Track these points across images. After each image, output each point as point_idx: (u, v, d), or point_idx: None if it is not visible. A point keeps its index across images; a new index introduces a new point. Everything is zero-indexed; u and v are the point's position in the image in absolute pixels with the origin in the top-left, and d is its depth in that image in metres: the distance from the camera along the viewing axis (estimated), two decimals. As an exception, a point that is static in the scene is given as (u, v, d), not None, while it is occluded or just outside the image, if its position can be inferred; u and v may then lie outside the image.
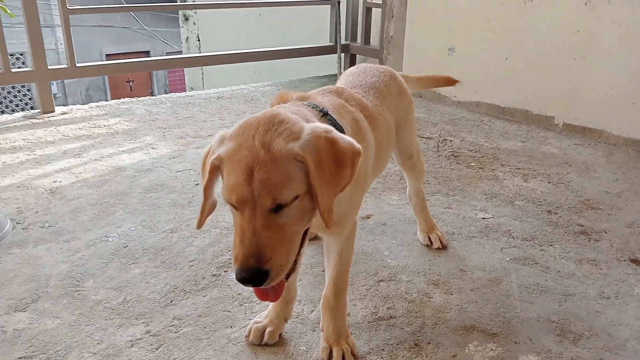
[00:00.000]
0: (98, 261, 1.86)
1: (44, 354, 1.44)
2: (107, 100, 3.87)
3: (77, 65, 3.47)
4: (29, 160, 2.71)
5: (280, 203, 1.06)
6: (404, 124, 1.79)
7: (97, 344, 1.48)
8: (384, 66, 1.82)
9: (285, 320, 1.54)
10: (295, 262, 1.18)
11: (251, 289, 1.17)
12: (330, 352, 1.43)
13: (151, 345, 1.48)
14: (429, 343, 1.51)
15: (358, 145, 1.15)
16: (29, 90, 14.02)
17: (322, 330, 1.47)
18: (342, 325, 1.47)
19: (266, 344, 1.48)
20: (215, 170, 1.15)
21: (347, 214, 1.36)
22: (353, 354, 1.44)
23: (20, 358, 1.43)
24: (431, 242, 2.01)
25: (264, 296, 1.17)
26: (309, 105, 1.27)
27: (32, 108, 14.02)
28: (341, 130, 1.24)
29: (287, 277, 1.16)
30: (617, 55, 3.07)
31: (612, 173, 2.75)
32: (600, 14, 3.09)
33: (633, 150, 3.06)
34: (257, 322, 1.52)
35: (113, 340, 1.49)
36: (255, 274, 1.05)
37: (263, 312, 1.55)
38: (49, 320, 1.57)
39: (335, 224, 1.30)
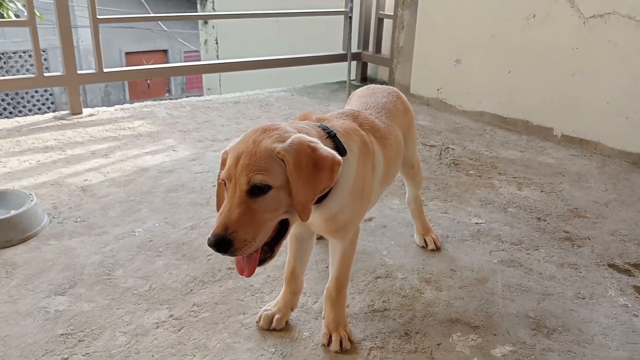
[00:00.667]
0: (126, 253, 2.08)
1: (82, 332, 1.67)
2: (125, 97, 4.09)
3: (105, 70, 3.71)
4: (60, 160, 2.95)
5: (254, 184, 1.27)
6: (407, 137, 1.97)
7: (127, 324, 1.70)
8: (391, 87, 2.02)
9: (292, 309, 1.74)
10: (273, 249, 1.40)
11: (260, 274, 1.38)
12: (330, 337, 1.63)
13: (174, 327, 1.70)
14: (417, 332, 1.71)
15: (339, 157, 1.35)
16: (51, 94, 14.41)
17: (324, 319, 1.68)
18: (342, 315, 1.67)
19: (274, 329, 1.69)
20: (224, 162, 1.39)
21: (351, 221, 1.55)
22: (350, 340, 1.64)
23: (62, 334, 1.65)
24: (426, 244, 2.20)
25: (240, 269, 1.38)
26: (319, 127, 1.47)
27: (49, 108, 14.44)
28: (344, 151, 1.44)
29: (262, 262, 1.38)
30: (613, 72, 3.23)
31: (602, 183, 2.92)
32: (598, 33, 3.26)
33: (625, 162, 3.22)
34: (266, 310, 1.73)
35: (141, 322, 1.71)
36: (220, 241, 1.26)
37: (272, 302, 1.76)
38: (85, 304, 1.79)
39: (340, 229, 1.53)
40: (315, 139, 1.38)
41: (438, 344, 1.66)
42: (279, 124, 1.40)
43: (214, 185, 2.68)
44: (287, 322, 1.73)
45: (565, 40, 3.43)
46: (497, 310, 1.83)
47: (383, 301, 1.86)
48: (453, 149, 3.38)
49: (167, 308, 1.78)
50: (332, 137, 1.46)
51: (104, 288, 1.88)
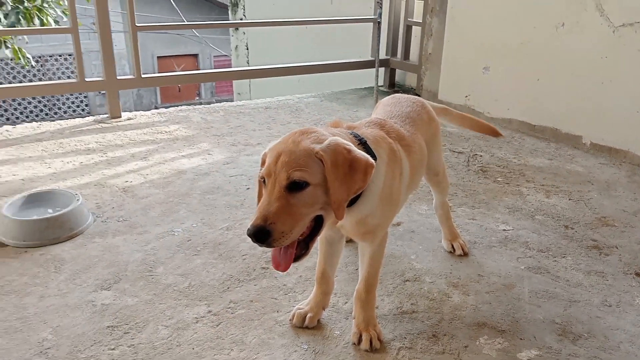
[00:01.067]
0: (166, 251, 2.19)
1: (127, 324, 1.77)
2: (157, 100, 4.23)
3: (143, 76, 3.84)
4: (102, 161, 3.08)
5: (293, 180, 1.35)
6: (432, 146, 2.03)
7: (169, 319, 1.80)
8: (416, 97, 2.08)
9: (323, 308, 1.82)
10: (307, 246, 1.46)
11: (292, 274, 1.45)
12: (360, 336, 1.70)
13: (212, 322, 1.79)
14: (445, 335, 1.76)
15: (372, 161, 1.43)
16: (85, 96, 14.81)
17: (354, 319, 1.75)
18: (371, 315, 1.73)
19: (306, 327, 1.77)
20: (263, 162, 1.46)
21: (380, 225, 1.62)
22: (379, 339, 1.70)
23: (108, 327, 1.75)
24: (454, 249, 2.25)
25: (276, 264, 1.44)
26: (351, 134, 1.55)
27: (83, 110, 14.82)
28: (374, 157, 1.51)
29: (298, 258, 1.44)
30: (643, 81, 3.23)
31: (631, 192, 2.92)
32: (627, 41, 3.26)
33: (656, 172, 3.21)
34: (299, 309, 1.81)
35: (181, 317, 1.81)
36: (259, 231, 1.33)
37: (304, 301, 1.84)
38: (129, 298, 1.90)
39: (369, 232, 1.61)
40: (349, 143, 1.46)
41: (465, 347, 1.71)
42: (315, 128, 1.48)
43: (248, 188, 2.78)
44: (318, 321, 1.80)
45: (595, 48, 3.43)
46: (523, 316, 1.87)
47: (411, 304, 1.92)
48: (481, 155, 3.41)
49: (206, 304, 1.87)
50: (362, 144, 1.53)
51: (147, 284, 1.98)
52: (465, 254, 2.24)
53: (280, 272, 1.52)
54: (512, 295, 1.98)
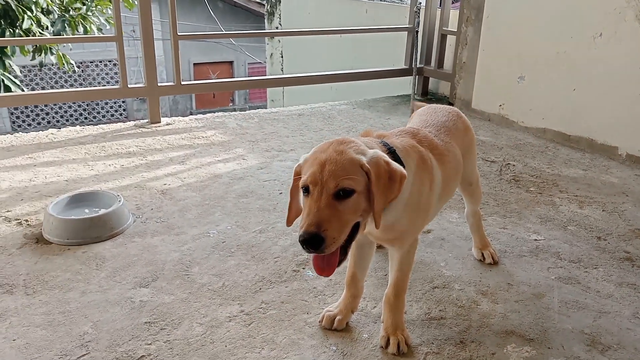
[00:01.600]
0: (202, 252, 2.27)
1: (163, 321, 1.85)
2: (192, 106, 4.36)
3: (182, 83, 3.97)
4: (142, 165, 3.20)
5: (342, 188, 1.40)
6: (467, 155, 2.05)
7: (203, 317, 1.87)
8: (452, 107, 2.10)
9: (352, 312, 1.86)
10: (346, 252, 1.50)
11: (322, 277, 1.50)
12: (388, 340, 1.74)
13: (245, 321, 1.85)
14: (472, 341, 1.78)
15: (405, 171, 1.50)
16: (123, 101, 15.25)
17: (383, 322, 1.78)
18: (400, 320, 1.77)
19: (335, 329, 1.81)
20: (298, 174, 1.51)
21: (408, 232, 1.67)
22: (407, 344, 1.74)
23: (146, 322, 1.84)
24: (484, 258, 2.26)
25: (320, 270, 1.47)
26: (380, 143, 1.60)
27: (121, 115, 15.24)
28: (402, 165, 1.55)
29: (339, 263, 1.48)
30: (683, 92, 3.17)
31: (668, 205, 2.87)
32: (667, 52, 3.21)
33: (695, 184, 3.14)
34: (329, 311, 1.86)
35: (215, 315, 1.88)
36: (314, 237, 1.37)
37: (334, 304, 1.89)
38: (165, 296, 1.98)
39: (397, 239, 1.65)
40: (385, 155, 1.51)
41: (493, 354, 1.73)
42: (351, 138, 1.53)
43: (281, 193, 2.85)
44: (347, 324, 1.84)
45: (633, 59, 3.39)
46: (552, 325, 1.87)
47: (440, 310, 1.94)
48: (514, 165, 3.40)
49: (239, 304, 1.94)
50: (391, 153, 1.58)
51: (183, 283, 2.06)
52: (495, 263, 2.25)
53: (324, 277, 1.55)
54: (541, 304, 1.99)
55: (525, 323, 1.88)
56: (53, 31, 7.19)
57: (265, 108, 5.20)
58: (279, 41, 7.97)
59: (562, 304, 1.99)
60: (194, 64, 17.20)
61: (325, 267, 1.48)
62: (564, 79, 3.82)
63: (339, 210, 1.41)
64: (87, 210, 2.48)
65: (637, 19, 3.35)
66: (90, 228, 2.32)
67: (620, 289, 2.10)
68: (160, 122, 3.96)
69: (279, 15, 8.04)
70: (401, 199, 1.56)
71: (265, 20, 8.47)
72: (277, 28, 8.07)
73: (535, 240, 2.46)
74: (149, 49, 3.80)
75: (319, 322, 1.85)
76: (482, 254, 2.28)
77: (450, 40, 4.87)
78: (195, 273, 2.12)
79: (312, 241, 1.37)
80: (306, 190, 1.45)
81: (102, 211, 2.40)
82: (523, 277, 2.16)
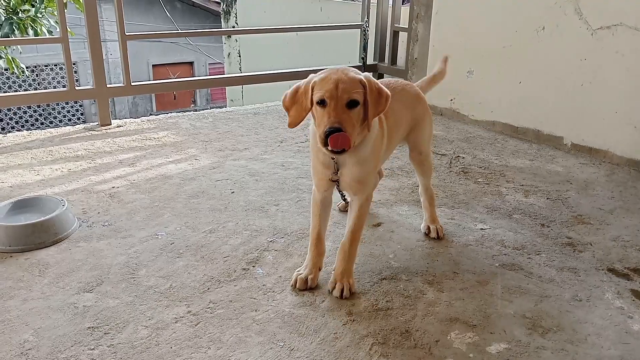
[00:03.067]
0: (149, 254, 2.23)
1: (107, 325, 1.81)
2: (152, 108, 4.29)
3: (133, 84, 3.90)
4: (90, 168, 3.12)
5: (352, 99, 1.75)
6: (420, 124, 2.32)
7: (149, 319, 1.84)
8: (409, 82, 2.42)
9: (319, 269, 2.04)
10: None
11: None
12: (335, 285, 1.96)
13: (191, 322, 1.83)
14: (417, 330, 1.81)
15: (389, 93, 1.85)
16: (81, 105, 14.87)
17: (334, 270, 2.00)
18: (349, 268, 1.98)
19: (310, 288, 2.00)
20: (306, 90, 1.82)
21: (367, 178, 1.95)
22: (351, 290, 1.95)
23: (89, 327, 1.79)
24: (429, 231, 2.40)
25: (336, 143, 1.72)
26: None
27: (79, 119, 14.88)
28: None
29: (345, 150, 1.76)
30: (620, 82, 3.28)
31: (609, 191, 2.97)
32: (605, 44, 3.32)
33: (634, 170, 3.26)
34: (299, 273, 2.03)
35: (161, 317, 1.85)
36: (337, 129, 1.72)
37: (301, 267, 2.06)
38: (110, 300, 1.94)
39: (361, 182, 1.95)
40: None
41: (436, 341, 1.76)
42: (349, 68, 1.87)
43: (232, 192, 2.83)
44: (317, 283, 2.03)
45: (574, 51, 3.50)
46: (495, 311, 1.91)
47: (387, 301, 1.96)
48: (463, 157, 3.46)
49: (186, 305, 1.92)
50: None
51: (128, 286, 2.02)
52: (440, 238, 2.38)
53: (337, 150, 1.75)
54: (485, 291, 2.03)
55: (469, 310, 1.92)
56: (0, 34, 6.95)
57: (222, 108, 5.14)
58: (236, 40, 7.91)
59: (505, 290, 2.04)
60: (153, 65, 16.89)
61: (341, 140, 1.72)
62: (510, 73, 3.91)
63: (350, 116, 1.77)
64: (35, 216, 2.39)
65: (576, 13, 3.46)
66: (33, 234, 2.26)
67: (561, 274, 2.16)
68: (110, 124, 3.88)
69: (235, 14, 7.98)
70: (371, 137, 1.90)
71: (222, 20, 8.39)
72: (233, 27, 8.00)
73: (481, 229, 2.51)
74: (96, 49, 3.71)
75: (292, 286, 2.01)
76: (429, 228, 2.41)
77: (403, 36, 4.92)
78: (141, 276, 2.09)
79: (336, 131, 1.71)
80: (322, 102, 1.77)
81: (45, 216, 2.33)
82: (468, 265, 2.20)
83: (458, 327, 1.82)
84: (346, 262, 1.97)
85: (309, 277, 2.00)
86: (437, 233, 2.39)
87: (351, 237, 1.98)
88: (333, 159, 1.90)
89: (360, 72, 1.86)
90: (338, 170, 1.93)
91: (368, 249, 2.30)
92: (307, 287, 1.99)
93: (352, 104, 1.76)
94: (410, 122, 2.28)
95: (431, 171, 2.46)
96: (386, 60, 5.09)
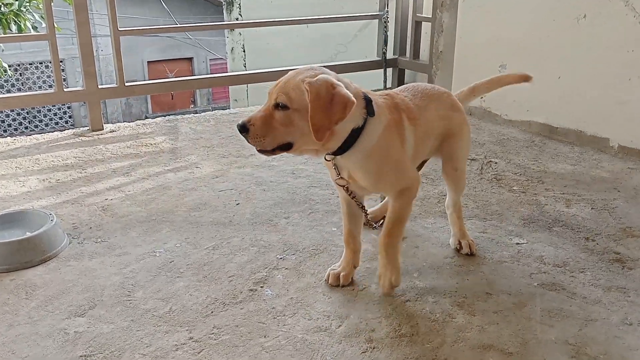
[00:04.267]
0: (147, 274, 2.26)
1: (101, 353, 1.83)
2: (147, 109, 4.34)
3: (126, 84, 3.95)
4: (81, 178, 3.17)
5: (277, 102, 1.83)
6: (456, 136, 2.31)
7: (147, 347, 1.86)
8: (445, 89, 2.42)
9: (355, 267, 2.19)
10: (274, 152, 1.92)
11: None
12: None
13: (194, 349, 1.85)
14: (446, 358, 1.80)
15: (354, 99, 1.82)
16: (69, 107, 15.06)
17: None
18: (384, 263, 2.09)
19: (343, 285, 2.15)
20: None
21: (386, 179, 2.01)
22: (392, 285, 2.10)
23: (81, 356, 1.82)
24: (461, 247, 2.40)
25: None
26: (362, 93, 1.94)
27: (67, 122, 15.06)
28: (372, 114, 1.93)
29: (263, 152, 1.91)
30: (673, 76, 3.26)
31: (662, 200, 2.95)
32: (655, 33, 3.30)
33: (691, 176, 3.23)
34: (333, 269, 2.19)
35: (160, 345, 1.87)
36: (242, 126, 1.85)
37: (336, 263, 2.22)
38: (104, 325, 1.96)
39: (379, 184, 2.04)
40: (340, 83, 1.84)
41: (468, 371, 1.75)
42: (323, 69, 1.91)
43: (238, 204, 2.85)
44: (352, 280, 2.18)
45: (620, 41, 3.48)
46: (533, 337, 1.91)
47: (411, 326, 1.96)
48: (496, 162, 3.46)
49: (187, 330, 1.93)
50: (366, 101, 1.92)
51: (124, 309, 2.04)
52: (472, 254, 2.38)
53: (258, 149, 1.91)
54: (522, 314, 2.02)
55: (504, 335, 1.91)
56: (-20, 31, 7.09)
57: (226, 109, 5.19)
58: (240, 34, 7.97)
59: (545, 313, 2.03)
60: (149, 62, 17.08)
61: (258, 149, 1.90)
62: (548, 67, 3.90)
63: (273, 118, 1.84)
64: (22, 232, 2.44)
65: (622, -1, 3.44)
66: (19, 252, 2.29)
67: (608, 294, 2.14)
68: (102, 129, 3.94)
69: (239, 5, 8.05)
70: (367, 143, 1.92)
71: (224, 11, 8.47)
72: (237, 19, 8.07)
73: (517, 244, 2.50)
74: (87, 47, 3.78)
75: (325, 281, 2.18)
76: (460, 243, 2.41)
77: (426, 27, 4.93)
78: (138, 298, 2.11)
79: (240, 128, 1.85)
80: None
81: (32, 233, 2.37)
82: (503, 285, 2.20)
83: (492, 355, 1.82)
84: (382, 257, 2.09)
85: (342, 274, 2.16)
86: (470, 249, 2.38)
87: (386, 230, 2.08)
88: (328, 160, 2.02)
89: (331, 74, 1.90)
90: (339, 173, 2.04)
91: (390, 267, 2.30)
92: (339, 283, 2.15)
93: (279, 106, 1.85)
94: (443, 134, 2.28)
95: (464, 188, 2.49)
96: (407, 54, 5.10)
